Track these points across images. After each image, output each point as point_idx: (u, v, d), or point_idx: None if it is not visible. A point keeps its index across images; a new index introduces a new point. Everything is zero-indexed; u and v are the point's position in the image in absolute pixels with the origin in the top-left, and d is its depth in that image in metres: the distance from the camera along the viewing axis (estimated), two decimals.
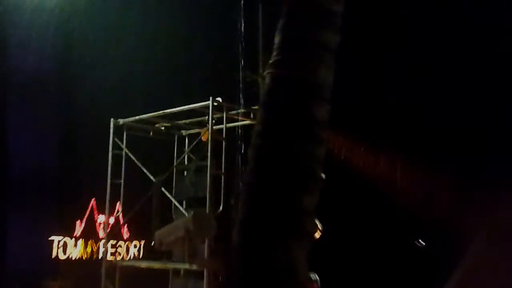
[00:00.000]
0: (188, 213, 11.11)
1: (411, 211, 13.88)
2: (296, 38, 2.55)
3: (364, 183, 14.92)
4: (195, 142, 12.27)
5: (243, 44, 11.36)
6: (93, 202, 15.97)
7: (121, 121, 12.58)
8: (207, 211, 10.12)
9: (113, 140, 12.50)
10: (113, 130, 12.54)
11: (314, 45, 2.53)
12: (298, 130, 2.37)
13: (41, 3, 14.33)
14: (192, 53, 15.30)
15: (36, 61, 14.77)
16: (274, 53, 2.64)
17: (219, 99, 11.23)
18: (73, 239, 15.55)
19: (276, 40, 2.69)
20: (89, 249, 15.60)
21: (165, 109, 12.01)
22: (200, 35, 14.99)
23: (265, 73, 2.56)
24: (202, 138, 11.77)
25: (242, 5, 11.91)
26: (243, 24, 11.64)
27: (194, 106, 11.64)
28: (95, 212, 15.96)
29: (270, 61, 2.63)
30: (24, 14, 14.31)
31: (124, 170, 12.61)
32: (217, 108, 11.33)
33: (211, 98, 11.07)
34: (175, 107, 11.92)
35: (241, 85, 11.10)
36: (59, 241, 15.30)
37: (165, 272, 11.87)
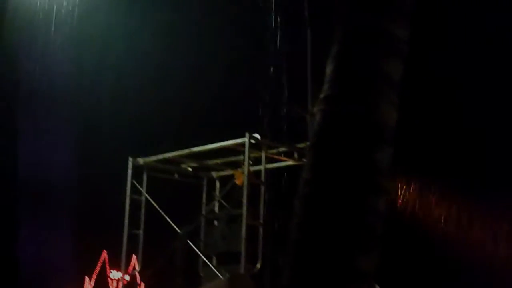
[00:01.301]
0: (219, 272, 11.05)
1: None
2: (353, 68, 2.57)
3: (434, 242, 14.53)
4: (227, 186, 12.25)
5: (288, 73, 11.43)
6: (105, 255, 16.07)
7: (141, 160, 12.67)
8: (244, 272, 10.02)
9: (132, 183, 12.59)
10: (132, 171, 12.63)
11: (374, 77, 2.54)
12: (355, 179, 2.36)
13: (64, 36, 14.85)
14: (226, 84, 15.47)
15: (53, 90, 15.20)
16: (326, 86, 2.65)
17: (257, 135, 11.24)
18: None
19: (328, 70, 2.71)
20: None
21: (193, 147, 12.05)
22: (236, 62, 15.18)
23: (315, 109, 2.56)
24: (236, 181, 11.78)
25: (280, 27, 12.00)
26: (287, 51, 11.73)
27: (227, 144, 11.64)
28: (107, 266, 16.04)
29: (321, 96, 2.63)
30: (42, 45, 14.83)
31: (144, 218, 12.64)
32: (255, 147, 11.33)
33: (247, 135, 11.08)
34: (204, 145, 11.94)
35: (285, 121, 11.14)
36: None
37: None
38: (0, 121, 15.28)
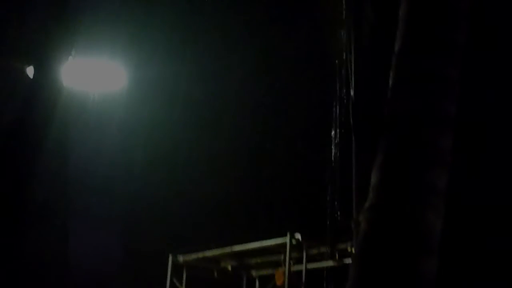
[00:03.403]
0: None
1: None
2: (399, 178, 2.61)
3: None
4: (268, 287, 12.13)
5: (333, 180, 11.48)
6: None
7: (181, 257, 12.67)
8: None
9: (171, 281, 12.54)
10: (171, 268, 12.60)
11: (418, 187, 2.57)
12: None
13: (113, 127, 15.31)
14: (267, 182, 15.55)
15: (100, 182, 15.52)
16: (372, 194, 2.69)
17: (298, 235, 11.20)
18: None
19: (374, 178, 2.76)
20: None
21: (233, 245, 12.03)
22: (277, 161, 15.31)
23: (360, 217, 2.59)
24: (277, 281, 11.65)
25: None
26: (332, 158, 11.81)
27: (269, 244, 11.59)
28: None
29: (367, 204, 2.67)
30: (92, 138, 15.30)
31: None
32: (296, 246, 11.26)
33: (288, 234, 11.05)
34: (245, 243, 11.91)
35: (329, 226, 11.11)
36: None
37: None
38: (53, 212, 15.57)
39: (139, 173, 16.29)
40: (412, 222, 2.49)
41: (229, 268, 13.21)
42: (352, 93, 7.65)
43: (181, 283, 12.79)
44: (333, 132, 11.61)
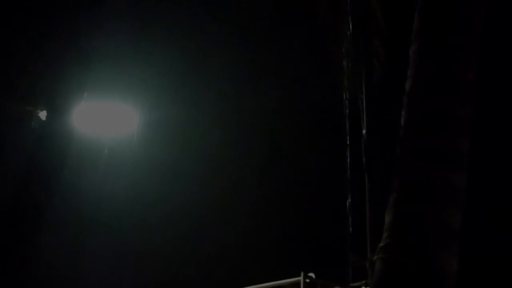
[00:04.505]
0: None
1: None
2: (412, 217, 2.61)
3: None
4: None
5: (346, 219, 11.46)
6: None
7: None
8: None
9: None
10: None
11: (433, 227, 2.57)
12: None
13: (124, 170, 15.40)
14: (280, 221, 15.51)
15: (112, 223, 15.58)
16: (386, 234, 2.69)
17: (311, 274, 11.14)
18: None
19: (388, 218, 2.75)
20: None
21: (246, 286, 11.96)
22: (288, 199, 15.29)
23: (374, 257, 2.59)
24: None
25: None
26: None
27: (282, 283, 11.53)
28: None
29: (381, 244, 2.67)
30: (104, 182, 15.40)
31: None
32: (310, 286, 11.19)
33: (302, 274, 10.98)
34: (258, 284, 11.85)
35: (344, 265, 11.05)
36: None
37: None
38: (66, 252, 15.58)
39: (151, 215, 16.31)
40: (427, 263, 2.47)
41: None
42: (364, 132, 7.68)
43: None
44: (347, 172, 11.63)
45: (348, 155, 11.44)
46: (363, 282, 10.28)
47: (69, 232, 15.28)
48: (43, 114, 13.29)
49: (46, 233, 12.91)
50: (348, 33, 9.57)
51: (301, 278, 11.04)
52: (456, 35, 4.25)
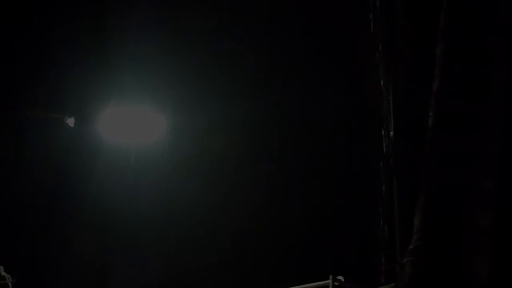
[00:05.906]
0: None
1: None
2: (442, 220, 2.56)
3: None
4: None
5: (376, 221, 11.36)
6: None
7: None
8: None
9: None
10: None
11: (463, 229, 2.52)
12: None
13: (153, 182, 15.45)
14: (308, 224, 15.43)
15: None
16: (415, 237, 2.65)
17: (340, 278, 11.05)
18: None
19: (417, 221, 2.71)
20: None
21: None
22: (315, 202, 15.21)
23: (404, 260, 2.55)
24: None
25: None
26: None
27: (310, 286, 11.46)
28: None
29: (411, 247, 2.62)
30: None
31: None
32: None
33: (330, 277, 10.90)
34: (286, 287, 11.79)
35: (373, 267, 10.95)
36: None
37: None
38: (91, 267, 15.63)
39: (180, 223, 16.30)
40: (458, 265, 2.42)
41: None
42: (392, 137, 7.61)
43: None
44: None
45: (383, 156, 11.37)
46: (392, 285, 10.17)
47: (96, 240, 15.32)
48: (71, 121, 13.38)
49: (73, 240, 12.98)
50: (373, 33, 9.51)
51: (329, 281, 10.97)
52: (486, 35, 4.18)
